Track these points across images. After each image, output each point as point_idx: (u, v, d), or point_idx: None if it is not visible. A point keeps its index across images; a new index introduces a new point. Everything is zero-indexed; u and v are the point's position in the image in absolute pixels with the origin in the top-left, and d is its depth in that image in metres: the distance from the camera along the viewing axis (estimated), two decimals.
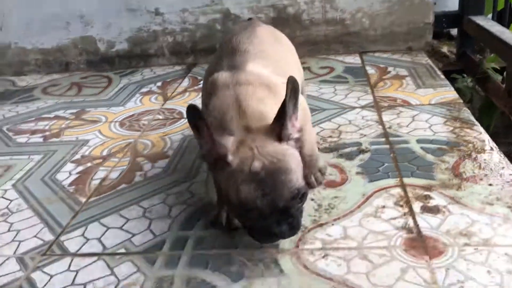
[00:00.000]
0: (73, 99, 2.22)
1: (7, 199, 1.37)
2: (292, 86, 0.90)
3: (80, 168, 1.51)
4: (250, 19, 1.53)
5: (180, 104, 2.00)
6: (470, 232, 1.03)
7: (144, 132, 1.75)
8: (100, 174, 1.46)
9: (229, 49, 1.22)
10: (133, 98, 2.15)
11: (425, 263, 0.95)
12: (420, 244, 1.01)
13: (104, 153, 1.61)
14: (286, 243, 1.04)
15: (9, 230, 1.22)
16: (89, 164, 1.54)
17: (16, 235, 1.19)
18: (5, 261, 1.10)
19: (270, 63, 1.17)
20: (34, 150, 1.69)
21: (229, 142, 0.92)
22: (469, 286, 0.88)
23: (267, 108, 0.99)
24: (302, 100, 1.13)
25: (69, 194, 1.36)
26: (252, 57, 1.16)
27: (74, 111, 2.05)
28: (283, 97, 0.92)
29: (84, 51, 2.67)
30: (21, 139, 1.80)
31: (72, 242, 1.14)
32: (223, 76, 1.09)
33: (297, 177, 0.91)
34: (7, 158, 1.64)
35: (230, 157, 0.90)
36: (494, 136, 1.56)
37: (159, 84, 2.32)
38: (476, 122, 1.55)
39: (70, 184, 1.42)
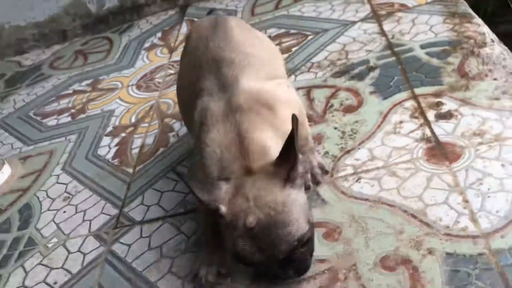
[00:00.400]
0: (83, 69, 2.29)
1: (62, 183, 1.52)
2: (297, 123, 0.82)
3: (116, 140, 1.64)
4: (211, 11, 1.33)
5: None
6: (482, 130, 1.15)
7: (162, 91, 1.84)
8: (137, 142, 1.59)
9: (209, 59, 1.07)
10: (140, 56, 2.21)
11: (446, 168, 1.08)
12: (439, 152, 1.13)
13: (133, 120, 1.72)
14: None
15: (76, 212, 1.38)
16: (123, 134, 1.66)
17: (84, 215, 1.35)
18: (84, 240, 1.27)
19: (260, 68, 1.07)
20: (67, 130, 1.81)
21: (222, 191, 0.87)
22: (487, 182, 1.02)
23: (269, 139, 0.92)
24: (291, 95, 1.08)
25: (116, 168, 1.50)
26: (241, 69, 1.03)
27: (89, 81, 2.14)
28: (284, 115, 0.90)
29: (76, 16, 2.68)
30: (51, 121, 1.92)
31: (135, 211, 1.30)
32: (218, 105, 0.97)
33: (297, 227, 0.84)
34: (46, 144, 1.77)
35: (223, 210, 0.85)
36: (492, 18, 1.61)
37: (159, 35, 2.36)
38: (474, 14, 1.60)
39: (113, 158, 1.55)
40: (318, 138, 1.30)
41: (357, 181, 1.14)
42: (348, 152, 1.23)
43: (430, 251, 0.92)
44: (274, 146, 0.90)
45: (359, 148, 1.23)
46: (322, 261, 0.98)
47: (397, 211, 1.03)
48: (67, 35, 2.74)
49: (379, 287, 0.89)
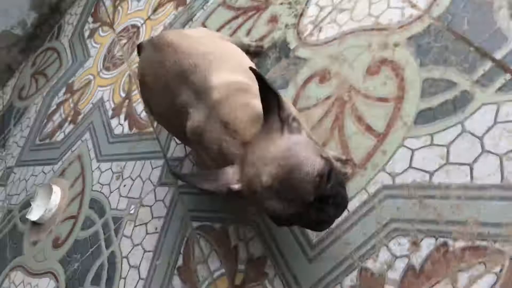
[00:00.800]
0: (50, 84, 2.42)
1: (106, 169, 1.74)
2: (258, 75, 0.81)
3: (123, 116, 1.83)
4: (139, 45, 1.27)
5: (126, 20, 2.20)
6: None
7: (128, 60, 2.00)
8: (139, 108, 1.79)
9: (174, 76, 1.06)
10: (89, 45, 2.33)
11: None
12: None
13: (123, 94, 1.91)
14: (291, 39, 1.40)
15: (133, 180, 1.61)
16: (124, 109, 1.85)
17: (141, 178, 1.59)
18: (155, 192, 1.51)
19: (223, 61, 1.06)
20: (78, 134, 1.99)
21: (230, 174, 0.85)
22: None
23: (253, 112, 0.91)
24: None
25: (138, 134, 1.71)
26: (206, 68, 1.02)
27: (64, 90, 2.28)
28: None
29: (9, 45, 2.74)
30: (59, 137, 2.10)
31: (177, 151, 1.53)
32: (200, 113, 0.98)
33: (312, 164, 0.80)
34: (69, 153, 1.97)
35: (237, 187, 0.84)
36: None
37: (90, 19, 2.46)
38: None
39: (130, 129, 1.76)
40: (274, 19, 1.51)
41: (320, 31, 1.36)
42: (301, 15, 1.44)
43: (396, 45, 1.17)
44: (260, 113, 0.87)
45: (307, 7, 1.44)
46: (328, 98, 1.23)
47: (359, 33, 1.26)
48: (12, 67, 2.81)
49: (376, 88, 1.15)
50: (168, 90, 1.08)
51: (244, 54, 1.23)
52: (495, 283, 0.83)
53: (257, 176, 0.81)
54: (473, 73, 1.02)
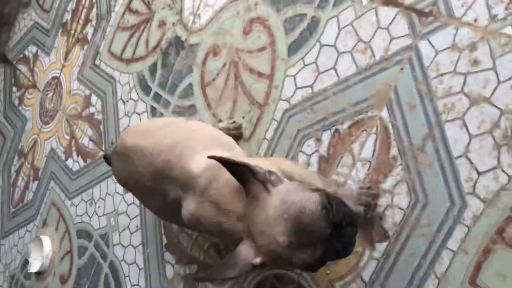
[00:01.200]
0: (1, 159, 2.54)
1: (79, 202, 1.91)
2: (219, 159, 0.85)
3: (75, 154, 2.00)
4: (105, 158, 1.29)
5: (45, 76, 2.35)
6: None
7: (60, 108, 2.17)
8: (85, 141, 1.96)
9: (153, 178, 1.05)
10: (22, 111, 2.47)
11: None
12: None
13: (68, 137, 2.07)
14: (180, 33, 1.62)
15: (104, 200, 1.79)
16: (73, 148, 2.02)
17: (110, 194, 1.78)
18: (125, 199, 1.70)
19: (193, 144, 1.04)
20: (44, 187, 2.14)
21: (243, 252, 0.85)
22: None
23: (237, 186, 0.89)
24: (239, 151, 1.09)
25: (93, 162, 1.89)
26: (180, 159, 1.01)
27: (17, 157, 2.42)
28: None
29: None
30: (29, 196, 2.24)
31: None
32: (192, 203, 0.97)
33: (312, 201, 0.82)
34: (44, 205, 2.12)
35: (259, 260, 0.83)
36: None
37: (14, 89, 2.60)
38: None
39: (85, 161, 1.93)
40: (162, 23, 1.72)
41: (199, 18, 1.58)
42: (181, 10, 1.66)
43: (256, 4, 1.41)
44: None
45: (184, 2, 1.66)
46: (224, 65, 1.46)
47: (227, 7, 1.49)
48: None
49: (254, 42, 1.39)
50: (154, 193, 1.08)
51: (208, 125, 1.26)
52: (376, 140, 1.08)
53: (272, 242, 0.81)
54: (314, 2, 1.27)
